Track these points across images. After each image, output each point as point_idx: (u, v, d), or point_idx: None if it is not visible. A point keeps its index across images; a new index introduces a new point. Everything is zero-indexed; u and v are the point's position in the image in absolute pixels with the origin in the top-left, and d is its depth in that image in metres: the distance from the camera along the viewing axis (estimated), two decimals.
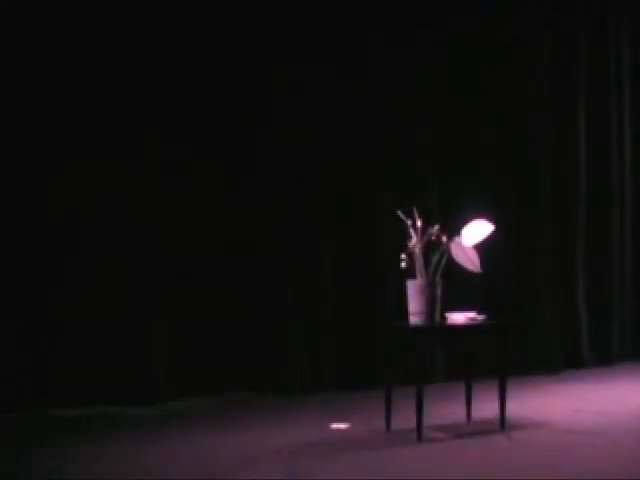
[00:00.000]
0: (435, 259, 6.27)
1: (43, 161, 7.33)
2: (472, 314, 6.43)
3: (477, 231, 6.37)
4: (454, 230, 6.34)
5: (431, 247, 6.30)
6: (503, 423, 6.35)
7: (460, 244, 6.31)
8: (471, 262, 6.34)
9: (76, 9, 7.39)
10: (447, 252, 6.28)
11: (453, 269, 6.36)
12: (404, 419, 6.28)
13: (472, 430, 6.39)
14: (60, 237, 7.37)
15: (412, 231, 6.28)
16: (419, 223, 6.28)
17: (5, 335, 7.17)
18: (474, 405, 6.69)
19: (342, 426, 6.58)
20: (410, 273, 6.26)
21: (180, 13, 7.70)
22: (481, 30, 8.58)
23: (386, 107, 8.26)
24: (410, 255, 6.26)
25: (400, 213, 6.28)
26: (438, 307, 6.25)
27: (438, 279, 6.25)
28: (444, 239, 6.28)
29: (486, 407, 6.67)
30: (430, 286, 6.22)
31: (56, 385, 7.23)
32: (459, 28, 8.47)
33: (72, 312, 7.33)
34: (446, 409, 6.92)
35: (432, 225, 6.29)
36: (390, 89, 8.28)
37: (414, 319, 6.25)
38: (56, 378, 7.24)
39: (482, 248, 6.42)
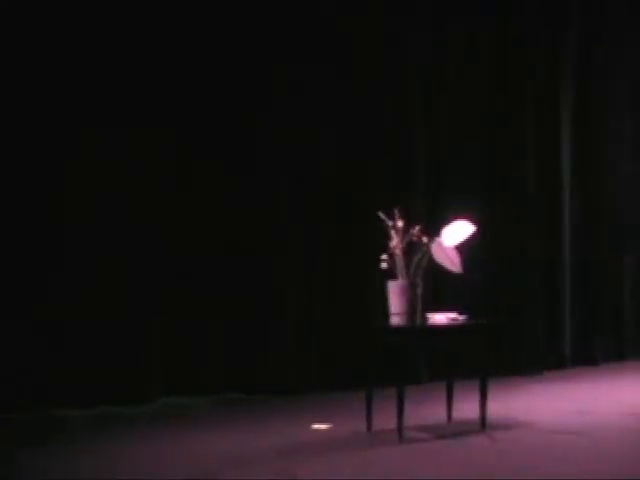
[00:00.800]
0: (416, 260, 6.27)
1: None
2: (453, 314, 6.44)
3: (458, 231, 6.38)
4: (436, 230, 6.35)
5: (412, 248, 6.30)
6: (484, 423, 6.36)
7: (441, 244, 6.32)
8: (452, 262, 6.35)
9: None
10: (428, 252, 6.29)
11: (435, 269, 6.37)
12: (385, 420, 6.28)
13: (453, 431, 6.39)
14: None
15: (393, 232, 6.28)
16: (400, 224, 6.28)
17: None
18: (456, 406, 6.70)
19: (323, 427, 6.58)
20: (391, 274, 6.27)
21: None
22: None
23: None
24: (391, 256, 6.26)
25: (381, 214, 6.28)
26: (419, 308, 6.25)
27: (419, 280, 6.26)
28: (425, 240, 6.28)
29: (468, 407, 6.67)
30: (411, 287, 6.22)
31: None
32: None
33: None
34: (428, 410, 6.92)
35: (413, 225, 6.29)
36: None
37: (395, 320, 6.25)
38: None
39: (465, 248, 6.43)
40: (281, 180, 7.98)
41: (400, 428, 6.10)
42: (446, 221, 6.45)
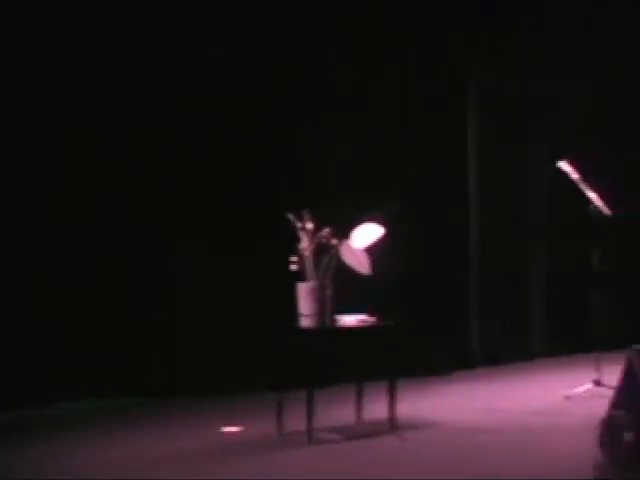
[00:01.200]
0: (325, 261, 6.29)
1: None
2: (363, 316, 6.47)
3: (367, 234, 6.42)
4: (345, 233, 6.38)
5: (322, 250, 6.32)
6: (393, 424, 6.40)
7: (350, 247, 6.35)
8: (361, 264, 6.38)
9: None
10: (337, 255, 6.31)
11: (344, 271, 6.40)
12: (296, 422, 6.28)
13: (363, 431, 6.43)
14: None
15: (302, 234, 6.29)
16: (309, 226, 6.29)
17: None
18: (366, 407, 6.73)
19: (234, 429, 6.56)
20: (300, 275, 6.28)
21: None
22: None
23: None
24: (301, 258, 6.27)
25: (291, 216, 6.29)
26: (328, 309, 6.27)
27: (328, 281, 6.28)
28: (334, 242, 6.30)
29: (378, 408, 6.71)
30: (321, 288, 6.24)
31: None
32: None
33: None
34: (337, 411, 6.94)
35: (322, 228, 6.31)
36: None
37: (305, 321, 6.26)
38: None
39: (374, 250, 6.46)
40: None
41: (310, 430, 6.11)
42: (355, 223, 6.48)
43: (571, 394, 7.29)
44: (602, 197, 7.49)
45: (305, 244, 6.29)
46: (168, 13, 7.74)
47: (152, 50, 7.67)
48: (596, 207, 7.43)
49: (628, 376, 5.30)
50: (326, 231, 6.31)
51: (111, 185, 7.49)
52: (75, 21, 7.45)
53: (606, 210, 7.44)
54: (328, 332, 6.35)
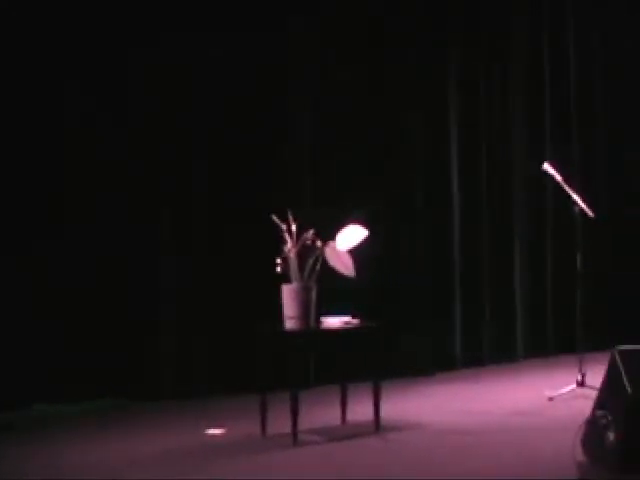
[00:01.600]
0: (310, 263, 6.29)
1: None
2: (347, 318, 6.48)
3: (351, 236, 6.42)
4: (329, 235, 6.39)
5: (306, 252, 6.33)
6: (378, 425, 6.41)
7: (334, 249, 6.35)
8: (345, 266, 6.39)
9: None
10: (322, 256, 6.32)
11: (327, 273, 6.40)
12: (280, 424, 6.29)
13: (347, 433, 6.43)
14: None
15: (287, 235, 6.30)
16: (293, 227, 6.30)
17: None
18: (350, 408, 6.74)
19: (217, 432, 6.56)
20: (285, 277, 6.29)
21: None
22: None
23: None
24: (285, 259, 6.28)
25: (274, 217, 6.29)
26: (313, 311, 6.28)
27: (313, 283, 6.28)
28: (319, 244, 6.31)
29: (361, 410, 6.72)
30: (305, 290, 6.25)
31: None
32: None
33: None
34: (321, 413, 6.94)
35: (307, 229, 6.32)
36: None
37: (289, 323, 6.27)
38: None
39: (357, 251, 6.47)
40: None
41: (294, 431, 6.11)
42: (339, 225, 6.49)
43: (554, 395, 7.31)
44: (584, 199, 7.53)
45: (289, 246, 6.29)
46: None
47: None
48: (580, 208, 7.47)
49: (612, 377, 5.33)
50: (310, 233, 6.32)
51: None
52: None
53: (589, 212, 7.48)
54: (312, 334, 6.35)
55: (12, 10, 7.24)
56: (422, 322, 8.83)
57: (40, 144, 7.34)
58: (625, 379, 5.14)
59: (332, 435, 6.38)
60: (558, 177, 7.60)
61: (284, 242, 6.30)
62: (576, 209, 7.47)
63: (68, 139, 7.45)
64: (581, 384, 7.30)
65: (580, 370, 7.33)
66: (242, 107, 8.00)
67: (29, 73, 7.30)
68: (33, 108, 7.31)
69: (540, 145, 9.64)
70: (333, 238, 6.36)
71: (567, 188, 7.53)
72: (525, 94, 9.75)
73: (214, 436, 6.48)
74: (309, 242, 6.31)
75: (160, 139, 7.76)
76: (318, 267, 6.30)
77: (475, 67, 9.38)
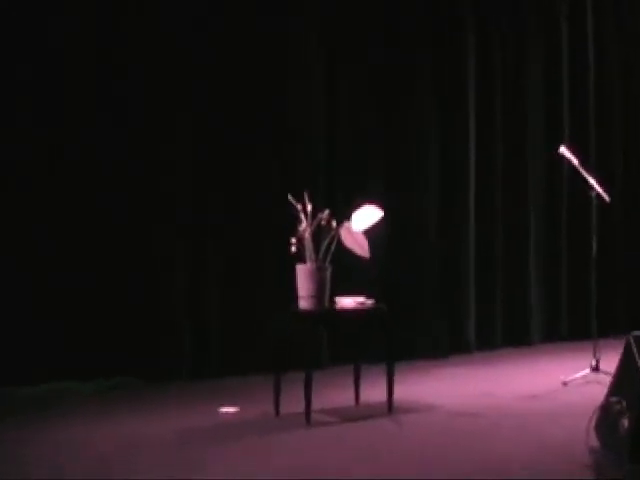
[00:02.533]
0: (325, 244, 6.28)
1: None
2: (361, 298, 6.48)
3: (367, 216, 6.41)
4: (344, 215, 6.38)
5: (321, 232, 6.32)
6: (391, 407, 6.41)
7: (350, 229, 6.34)
8: (360, 247, 6.38)
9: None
10: (337, 237, 6.31)
11: (341, 253, 6.40)
12: (293, 403, 6.30)
13: (360, 414, 6.44)
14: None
15: (302, 215, 6.29)
16: (309, 208, 6.28)
17: None
18: (363, 389, 6.74)
19: (231, 410, 6.56)
20: (300, 257, 6.28)
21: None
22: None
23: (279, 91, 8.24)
24: (300, 240, 6.27)
25: (290, 197, 6.28)
26: (327, 291, 6.27)
27: (328, 264, 6.27)
28: (334, 224, 6.30)
29: (375, 391, 6.73)
30: (319, 270, 6.24)
31: None
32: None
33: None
34: (335, 393, 6.95)
35: (322, 210, 6.31)
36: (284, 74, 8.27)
37: (303, 303, 6.26)
38: None
39: (371, 233, 6.46)
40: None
41: (308, 412, 6.12)
42: (352, 205, 6.48)
43: (569, 380, 7.30)
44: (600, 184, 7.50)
45: (304, 226, 6.28)
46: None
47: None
48: (596, 193, 7.43)
49: (626, 362, 5.31)
50: (326, 213, 6.30)
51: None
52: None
53: (605, 196, 7.44)
54: (327, 314, 6.35)
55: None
56: (437, 305, 8.81)
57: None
58: None
59: (345, 416, 6.38)
60: (575, 161, 7.57)
61: (299, 222, 6.29)
62: (592, 193, 7.44)
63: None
64: (595, 369, 7.29)
65: (594, 355, 7.31)
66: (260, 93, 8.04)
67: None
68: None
69: (558, 130, 9.61)
70: (348, 218, 6.35)
71: (583, 172, 7.50)
72: (543, 90, 9.72)
73: (227, 414, 6.48)
74: (324, 222, 6.30)
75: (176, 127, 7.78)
76: (333, 247, 6.29)
77: (491, 53, 9.34)
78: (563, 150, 7.63)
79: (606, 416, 5.31)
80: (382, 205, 6.53)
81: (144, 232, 7.69)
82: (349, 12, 8.48)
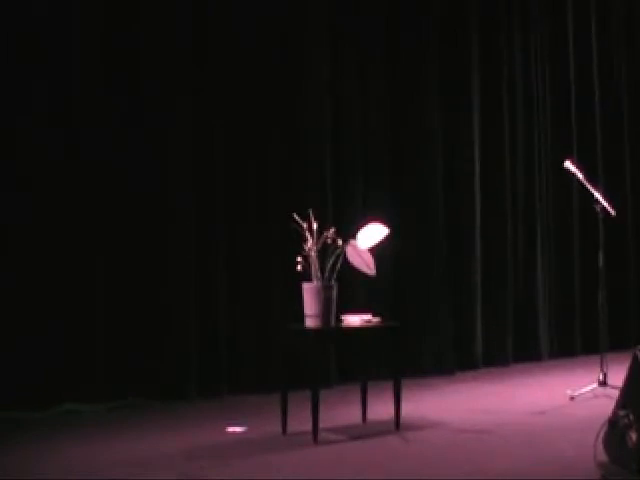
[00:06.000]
0: (330, 262, 6.29)
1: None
2: (367, 316, 6.47)
3: (372, 234, 6.41)
4: (350, 233, 6.38)
5: (327, 250, 6.32)
6: (398, 424, 6.40)
7: (355, 247, 6.34)
8: (366, 265, 6.38)
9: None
10: (343, 255, 6.31)
11: (346, 271, 6.40)
12: (300, 422, 6.29)
13: (368, 431, 6.43)
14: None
15: (307, 234, 6.29)
16: (315, 226, 6.29)
17: None
18: (370, 407, 6.74)
19: (238, 429, 6.56)
20: (306, 276, 6.28)
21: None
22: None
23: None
24: (306, 258, 6.27)
25: (296, 216, 6.29)
26: (333, 309, 6.27)
27: (333, 282, 6.28)
28: (339, 242, 6.30)
29: (382, 408, 6.72)
30: (325, 289, 6.24)
31: None
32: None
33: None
34: (342, 411, 6.94)
35: (328, 228, 6.32)
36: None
37: (310, 322, 6.26)
38: None
39: (376, 250, 6.46)
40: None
41: (315, 430, 6.11)
42: (358, 223, 6.49)
43: (576, 394, 7.28)
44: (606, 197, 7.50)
45: (310, 244, 6.29)
46: (164, 13, 7.81)
47: (153, 50, 7.73)
48: (602, 207, 7.43)
49: (634, 376, 5.30)
50: (331, 231, 6.31)
51: (111, 185, 7.55)
52: (76, 20, 7.50)
53: (611, 210, 7.44)
54: (333, 332, 6.34)
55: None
56: (444, 321, 8.81)
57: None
58: None
59: (353, 434, 6.37)
60: (580, 175, 7.57)
61: (305, 240, 6.29)
62: (598, 207, 7.44)
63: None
64: (603, 383, 7.28)
65: (602, 369, 7.30)
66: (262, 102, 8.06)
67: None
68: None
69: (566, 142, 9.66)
70: (354, 236, 6.36)
71: (589, 186, 7.51)
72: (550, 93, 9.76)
73: (234, 434, 6.48)
74: (330, 240, 6.30)
75: (178, 138, 7.80)
76: (339, 265, 6.29)
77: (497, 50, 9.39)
78: (568, 165, 7.65)
79: (614, 430, 5.30)
80: (388, 221, 6.55)
81: (153, 250, 7.70)
82: (354, 13, 8.55)
